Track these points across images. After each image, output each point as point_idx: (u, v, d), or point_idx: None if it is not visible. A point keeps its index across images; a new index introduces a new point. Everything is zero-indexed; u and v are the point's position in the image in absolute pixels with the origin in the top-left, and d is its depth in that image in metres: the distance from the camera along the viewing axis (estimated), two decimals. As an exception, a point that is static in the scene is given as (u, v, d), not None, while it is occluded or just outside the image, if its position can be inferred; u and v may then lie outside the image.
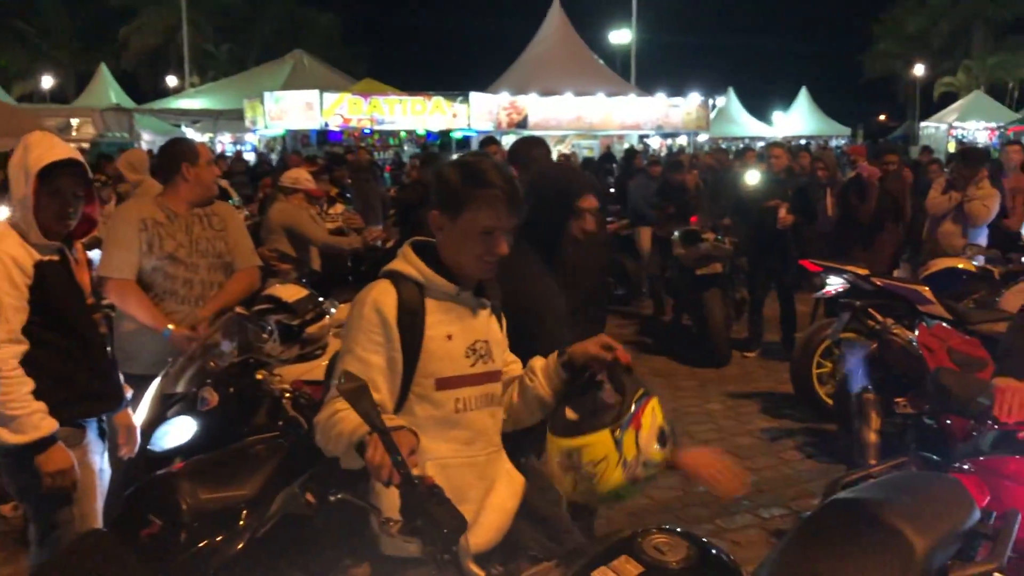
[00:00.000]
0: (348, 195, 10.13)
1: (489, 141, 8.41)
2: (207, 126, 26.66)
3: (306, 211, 6.80)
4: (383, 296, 2.21)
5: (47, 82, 39.72)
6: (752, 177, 8.30)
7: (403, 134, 23.34)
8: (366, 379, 2.09)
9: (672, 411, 6.98)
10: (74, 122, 24.76)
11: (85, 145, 21.21)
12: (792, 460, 5.72)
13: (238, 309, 4.05)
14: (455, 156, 2.32)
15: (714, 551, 1.98)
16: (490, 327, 2.36)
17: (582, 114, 24.44)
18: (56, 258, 2.99)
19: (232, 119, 25.13)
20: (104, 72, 32.12)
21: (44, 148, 2.92)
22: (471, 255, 2.22)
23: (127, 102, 29.14)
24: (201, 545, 2.52)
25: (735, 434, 6.23)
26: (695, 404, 6.92)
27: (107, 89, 31.06)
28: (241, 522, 2.58)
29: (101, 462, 3.18)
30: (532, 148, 4.41)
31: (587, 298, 3.83)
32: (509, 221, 2.21)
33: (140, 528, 2.56)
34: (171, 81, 38.51)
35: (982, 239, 7.60)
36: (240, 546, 2.54)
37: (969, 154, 8.22)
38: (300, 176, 7.00)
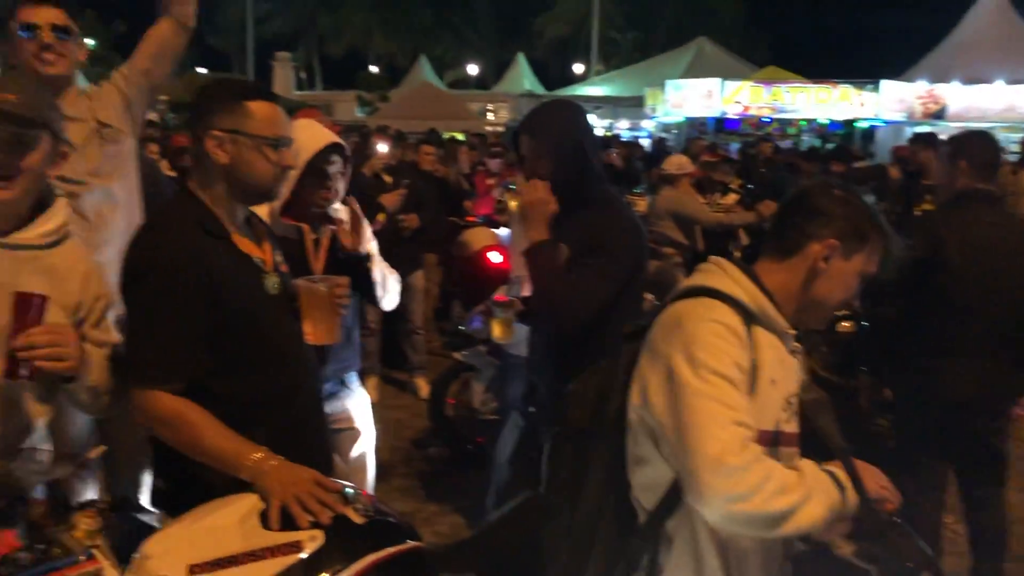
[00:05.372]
0: (751, 187, 10.02)
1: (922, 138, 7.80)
2: (607, 112, 27.77)
3: (691, 196, 6.94)
4: (727, 316, 1.74)
5: (472, 70, 43.91)
6: None
7: (802, 123, 22.46)
8: (737, 402, 1.67)
9: None
10: (490, 107, 27.16)
11: (500, 128, 23.22)
12: None
13: None
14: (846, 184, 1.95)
15: None
16: (799, 380, 1.91)
17: (1015, 103, 21.67)
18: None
19: (631, 106, 25.89)
20: (521, 61, 35.01)
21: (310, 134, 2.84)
22: (835, 299, 1.87)
23: (539, 89, 31.37)
24: None
25: None
26: None
27: (521, 77, 33.74)
28: None
29: None
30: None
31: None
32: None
33: None
34: (577, 69, 40.47)
35: None
36: None
37: None
38: (683, 162, 7.13)
